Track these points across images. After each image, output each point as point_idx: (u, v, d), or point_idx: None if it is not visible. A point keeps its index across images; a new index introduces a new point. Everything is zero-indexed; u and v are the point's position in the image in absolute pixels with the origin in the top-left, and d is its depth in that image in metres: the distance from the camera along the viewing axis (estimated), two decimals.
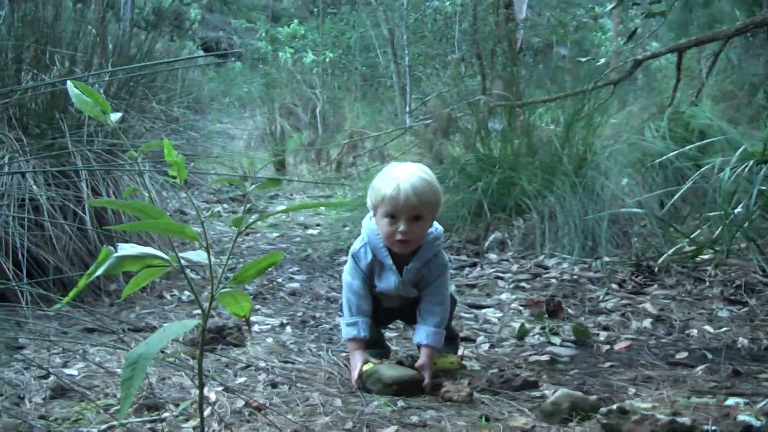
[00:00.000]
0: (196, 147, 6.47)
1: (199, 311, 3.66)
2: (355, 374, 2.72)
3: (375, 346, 2.96)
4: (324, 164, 8.92)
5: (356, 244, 2.92)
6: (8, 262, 3.42)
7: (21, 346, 3.07)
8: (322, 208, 7.00)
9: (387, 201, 2.67)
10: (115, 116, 1.36)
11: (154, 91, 5.44)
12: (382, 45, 14.75)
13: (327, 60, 13.64)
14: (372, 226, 2.82)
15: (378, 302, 2.94)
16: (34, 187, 3.72)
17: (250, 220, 1.36)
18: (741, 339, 3.23)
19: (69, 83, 1.30)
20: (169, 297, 4.07)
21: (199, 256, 1.41)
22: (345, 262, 4.92)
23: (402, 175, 2.69)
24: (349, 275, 2.90)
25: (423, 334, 2.80)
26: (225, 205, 7.14)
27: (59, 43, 4.49)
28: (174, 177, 1.31)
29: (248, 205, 6.93)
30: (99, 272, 1.35)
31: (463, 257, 4.89)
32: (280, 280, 4.59)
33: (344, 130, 9.91)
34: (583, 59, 6.47)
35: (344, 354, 3.10)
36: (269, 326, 3.59)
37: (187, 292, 4.12)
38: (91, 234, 3.86)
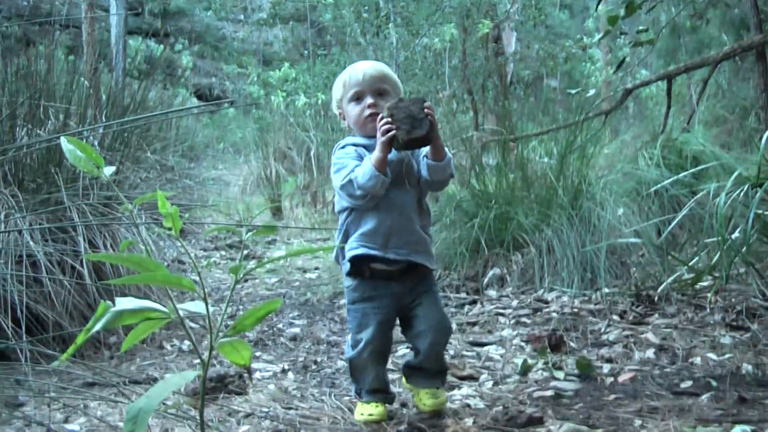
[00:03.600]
0: (192, 195, 6.48)
1: (199, 360, 3.63)
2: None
3: (382, 390, 2.89)
4: (320, 207, 8.93)
5: (341, 143, 2.91)
6: (7, 319, 3.40)
7: (21, 403, 3.05)
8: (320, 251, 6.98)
9: (348, 83, 2.81)
10: (109, 170, 1.36)
11: (149, 140, 5.46)
12: None
13: (319, 102, 13.69)
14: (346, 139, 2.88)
15: (378, 221, 2.79)
16: (31, 242, 3.72)
17: (248, 268, 1.36)
18: (745, 365, 3.22)
19: (63, 139, 1.30)
20: (169, 347, 4.05)
21: (197, 306, 1.41)
22: (345, 305, 4.94)
23: (356, 63, 2.90)
24: (342, 162, 2.80)
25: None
26: (222, 252, 7.13)
27: (53, 97, 4.51)
28: (169, 229, 1.31)
29: (245, 251, 6.93)
30: (97, 327, 1.34)
31: (463, 294, 4.87)
32: (280, 325, 4.58)
33: None
34: (573, 91, 6.50)
35: (347, 398, 3.09)
36: (271, 372, 3.56)
37: (187, 342, 4.10)
38: (90, 287, 3.85)
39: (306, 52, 19.21)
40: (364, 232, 2.78)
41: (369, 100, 2.78)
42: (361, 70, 2.82)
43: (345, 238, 2.83)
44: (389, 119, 2.63)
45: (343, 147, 2.85)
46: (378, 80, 2.81)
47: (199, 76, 23.54)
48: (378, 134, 2.66)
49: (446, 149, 2.74)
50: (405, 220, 2.80)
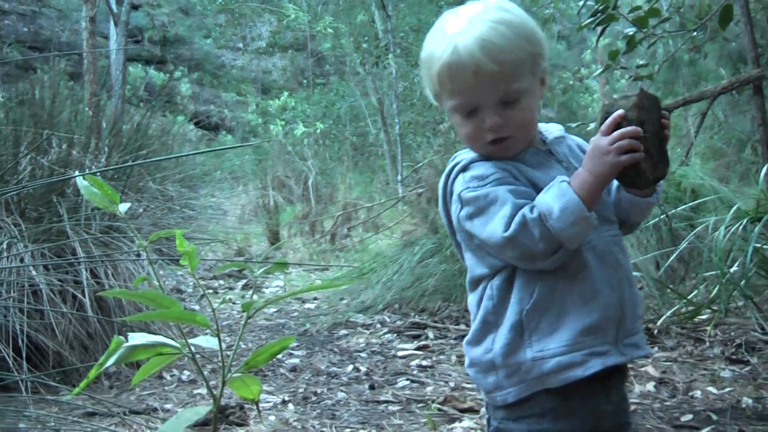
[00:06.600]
0: (191, 224, 6.49)
1: (199, 390, 3.62)
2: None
3: None
4: (318, 237, 8.95)
5: (460, 160, 1.61)
6: (8, 348, 3.40)
7: None
8: (318, 281, 6.99)
9: (445, 81, 1.54)
10: (123, 207, 1.39)
11: (150, 170, 5.48)
12: (371, 114, 14.92)
13: (318, 131, 13.78)
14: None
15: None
16: (33, 272, 3.72)
17: (259, 306, 1.37)
18: (745, 399, 3.23)
19: (79, 179, 1.32)
20: (168, 377, 4.05)
21: (208, 342, 1.42)
22: (344, 335, 4.95)
23: (458, 31, 1.52)
24: (488, 196, 1.51)
25: None
26: (221, 281, 7.14)
27: (56, 126, 4.52)
28: (185, 266, 1.33)
29: (245, 281, 6.94)
30: (110, 363, 1.35)
31: (462, 326, 4.87)
32: (279, 356, 4.58)
33: (337, 201, 9.99)
34: (574, 125, 6.54)
35: (348, 430, 3.09)
36: (271, 404, 3.56)
37: (186, 372, 4.10)
38: (91, 318, 3.85)
39: (305, 81, 19.35)
40: (590, 326, 1.51)
41: (491, 121, 1.53)
42: (468, 61, 1.48)
43: (520, 330, 1.53)
44: (638, 132, 1.47)
45: (468, 169, 1.58)
46: (503, 78, 1.51)
47: (197, 103, 23.61)
48: (606, 151, 1.47)
49: None
50: (630, 285, 1.64)
